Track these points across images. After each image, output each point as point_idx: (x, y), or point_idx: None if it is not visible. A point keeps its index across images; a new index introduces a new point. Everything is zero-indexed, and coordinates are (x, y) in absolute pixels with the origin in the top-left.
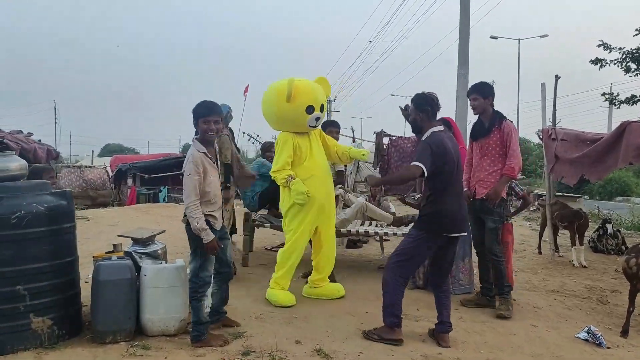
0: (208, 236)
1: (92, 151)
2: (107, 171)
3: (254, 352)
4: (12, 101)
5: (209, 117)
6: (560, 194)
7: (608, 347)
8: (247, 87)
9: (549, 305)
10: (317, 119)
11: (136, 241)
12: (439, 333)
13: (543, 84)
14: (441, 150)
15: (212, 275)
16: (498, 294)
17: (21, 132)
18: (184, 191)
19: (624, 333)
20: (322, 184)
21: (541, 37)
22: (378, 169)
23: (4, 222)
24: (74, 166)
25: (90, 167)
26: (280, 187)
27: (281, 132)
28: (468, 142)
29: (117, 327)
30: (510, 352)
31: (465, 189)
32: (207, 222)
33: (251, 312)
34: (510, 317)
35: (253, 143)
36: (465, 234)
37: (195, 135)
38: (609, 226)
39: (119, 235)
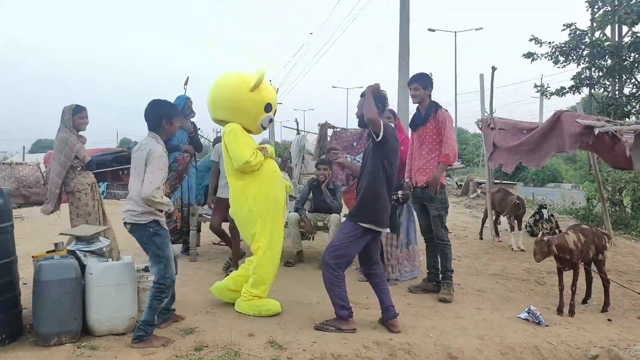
0: (171, 206)
1: (24, 147)
2: (39, 168)
3: (206, 347)
4: None
5: (176, 118)
6: (498, 181)
7: (547, 325)
8: (186, 80)
9: (491, 288)
10: (270, 120)
11: (80, 239)
12: (387, 320)
13: (481, 75)
14: (395, 138)
15: None
16: (442, 279)
17: None
18: (151, 184)
19: (559, 311)
20: (281, 181)
21: (476, 29)
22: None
23: None
24: (3, 163)
25: (21, 163)
26: (238, 191)
27: (229, 122)
28: (410, 132)
29: (62, 329)
30: (457, 334)
31: (407, 179)
32: (158, 222)
33: (201, 307)
34: (451, 301)
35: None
36: (388, 231)
37: (154, 131)
38: (544, 211)
39: (61, 234)
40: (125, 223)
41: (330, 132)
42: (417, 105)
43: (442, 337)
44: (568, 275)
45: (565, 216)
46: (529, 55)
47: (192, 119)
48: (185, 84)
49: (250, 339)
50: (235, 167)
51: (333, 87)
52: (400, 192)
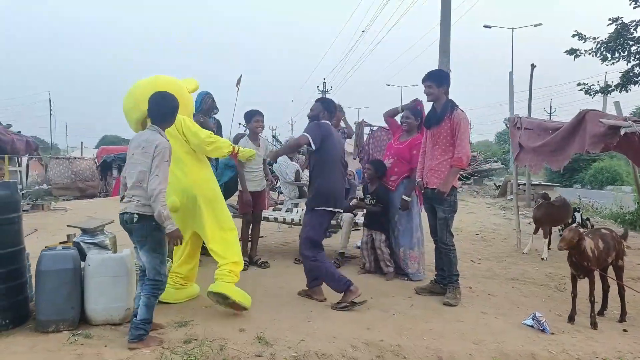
0: (173, 225)
1: (82, 142)
2: (95, 162)
3: (195, 340)
4: (10, 92)
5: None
6: (537, 182)
7: (552, 333)
8: (239, 79)
9: (505, 292)
10: None
11: (84, 231)
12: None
13: (510, 73)
14: (326, 132)
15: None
16: (447, 282)
17: (0, 124)
18: (157, 177)
19: (570, 319)
20: None
21: (535, 25)
22: (358, 158)
23: None
24: (62, 158)
25: (79, 158)
26: (190, 179)
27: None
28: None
29: (60, 317)
30: (452, 338)
31: (418, 179)
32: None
33: (201, 302)
34: (456, 305)
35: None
36: (341, 210)
37: (159, 123)
38: (577, 215)
39: (68, 226)
40: (125, 213)
41: (367, 130)
42: (432, 103)
43: (436, 340)
44: (585, 282)
45: (607, 221)
46: (572, 52)
47: (215, 116)
48: (238, 82)
49: (241, 333)
50: (199, 143)
51: (387, 85)
52: (368, 197)
